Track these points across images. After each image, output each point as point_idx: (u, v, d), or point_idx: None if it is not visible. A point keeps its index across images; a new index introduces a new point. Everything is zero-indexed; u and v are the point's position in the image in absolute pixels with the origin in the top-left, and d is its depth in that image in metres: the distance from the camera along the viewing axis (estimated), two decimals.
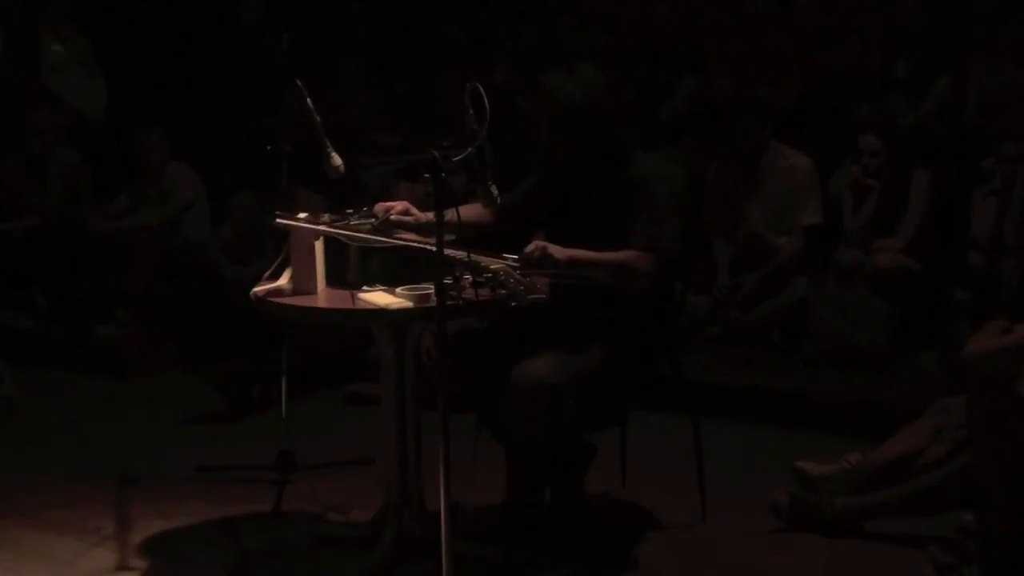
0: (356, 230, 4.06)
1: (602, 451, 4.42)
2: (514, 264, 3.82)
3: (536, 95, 4.16)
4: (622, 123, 4.11)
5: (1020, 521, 3.75)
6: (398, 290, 3.83)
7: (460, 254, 3.73)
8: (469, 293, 3.76)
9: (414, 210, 4.13)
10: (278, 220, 3.97)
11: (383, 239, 3.97)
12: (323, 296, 3.97)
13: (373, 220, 4.08)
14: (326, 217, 4.11)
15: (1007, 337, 3.88)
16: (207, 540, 4.40)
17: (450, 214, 3.50)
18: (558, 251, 3.85)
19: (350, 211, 4.18)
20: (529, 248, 3.85)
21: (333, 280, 4.01)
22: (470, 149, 3.67)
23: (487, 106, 3.65)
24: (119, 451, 5.36)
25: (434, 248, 3.44)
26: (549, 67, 4.13)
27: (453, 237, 3.75)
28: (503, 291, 3.74)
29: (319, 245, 3.99)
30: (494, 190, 3.88)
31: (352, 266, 4.02)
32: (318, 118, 4.11)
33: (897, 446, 4.24)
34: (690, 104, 7.48)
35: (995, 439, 3.78)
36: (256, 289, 4.02)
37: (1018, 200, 5.82)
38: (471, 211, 4.08)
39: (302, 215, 4.09)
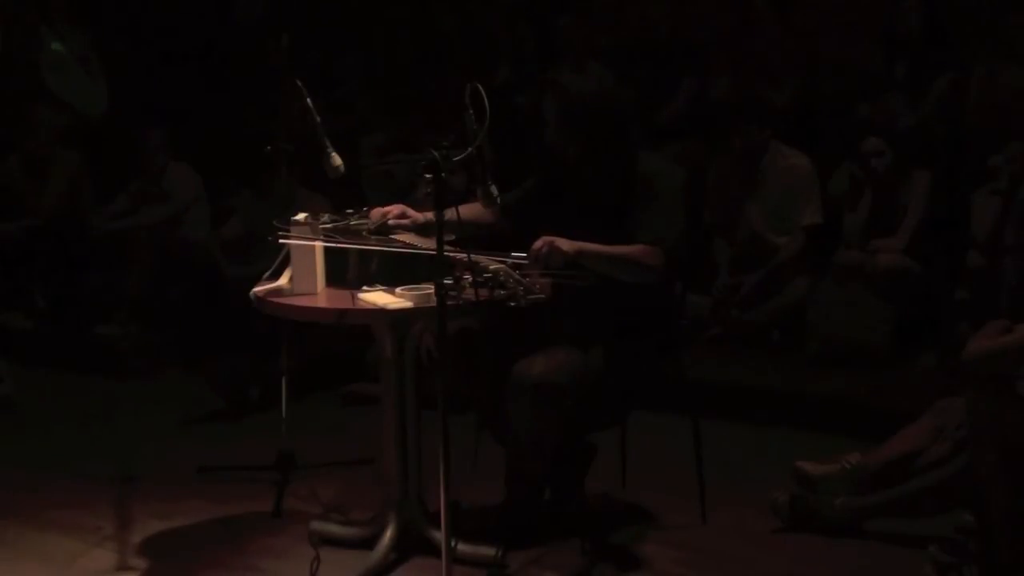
0: (356, 230, 4.06)
1: (602, 451, 4.42)
2: (522, 262, 3.81)
3: (542, 93, 4.15)
4: (632, 119, 4.11)
5: (1020, 521, 3.75)
6: (398, 290, 3.83)
7: (460, 254, 3.74)
8: (469, 293, 3.76)
9: (411, 212, 4.13)
10: (280, 241, 3.97)
11: (380, 247, 3.97)
12: (323, 296, 3.96)
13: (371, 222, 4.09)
14: (326, 217, 4.11)
15: (1007, 337, 3.88)
16: (207, 540, 4.40)
17: (450, 214, 3.50)
18: (566, 244, 3.84)
19: (350, 211, 4.18)
20: (537, 244, 3.84)
21: (333, 280, 4.01)
22: (470, 149, 3.67)
23: (487, 106, 3.65)
24: (119, 451, 5.35)
25: (428, 252, 3.43)
26: (551, 67, 4.14)
27: (453, 237, 3.75)
28: (502, 292, 3.74)
29: (319, 245, 3.99)
30: (494, 190, 3.87)
31: (352, 266, 4.02)
32: (318, 118, 4.11)
33: (897, 446, 4.24)
34: (690, 104, 7.47)
35: (995, 439, 3.77)
36: (256, 289, 4.01)
37: (1021, 200, 5.82)
38: (471, 211, 4.07)
39: (302, 215, 4.09)
